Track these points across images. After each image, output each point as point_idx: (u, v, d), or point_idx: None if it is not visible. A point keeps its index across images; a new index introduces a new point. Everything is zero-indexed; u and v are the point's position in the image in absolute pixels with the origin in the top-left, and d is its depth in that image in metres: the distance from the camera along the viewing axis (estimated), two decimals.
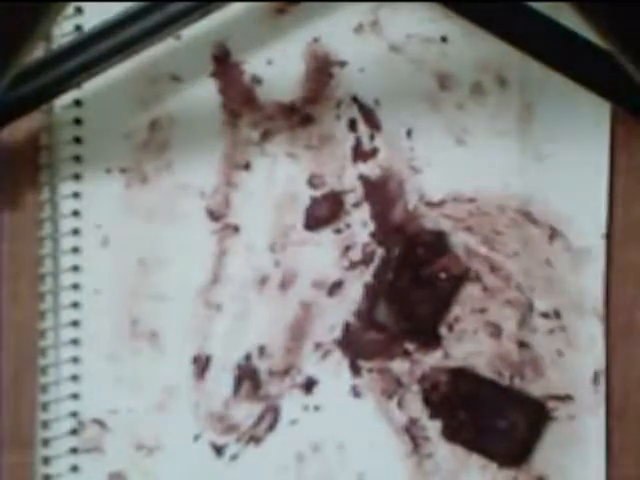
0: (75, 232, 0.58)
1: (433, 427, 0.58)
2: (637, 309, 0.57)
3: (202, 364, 0.58)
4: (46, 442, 0.58)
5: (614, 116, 0.57)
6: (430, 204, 0.57)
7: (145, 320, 0.58)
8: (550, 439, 0.57)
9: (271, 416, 0.58)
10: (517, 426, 0.56)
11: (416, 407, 0.58)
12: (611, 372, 0.57)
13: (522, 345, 0.57)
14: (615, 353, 0.57)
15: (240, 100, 0.58)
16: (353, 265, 0.58)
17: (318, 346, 0.58)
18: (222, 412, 0.58)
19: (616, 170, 0.57)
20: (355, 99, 0.58)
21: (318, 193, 0.58)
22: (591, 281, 0.57)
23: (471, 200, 0.57)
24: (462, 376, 0.57)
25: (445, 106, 0.57)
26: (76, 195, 0.58)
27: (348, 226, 0.58)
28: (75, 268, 0.58)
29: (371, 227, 0.58)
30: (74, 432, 0.58)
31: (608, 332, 0.57)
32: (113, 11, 0.54)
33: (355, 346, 0.58)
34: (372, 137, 0.58)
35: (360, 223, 0.58)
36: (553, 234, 0.57)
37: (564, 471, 0.57)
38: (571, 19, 0.53)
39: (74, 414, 0.58)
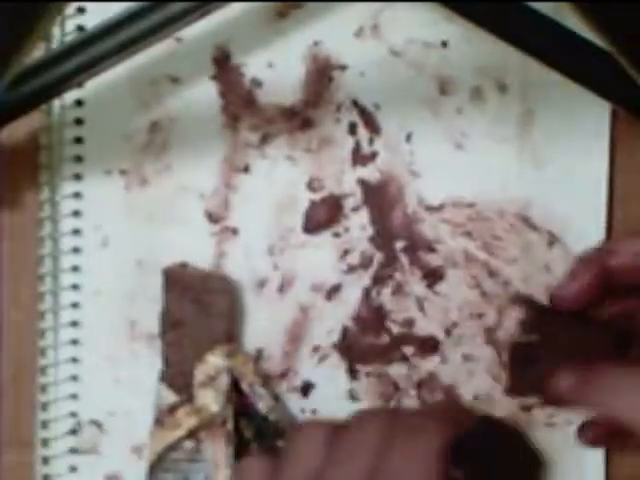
0: (75, 232, 0.58)
1: None
2: None
3: None
4: (45, 442, 0.59)
5: (614, 116, 0.56)
6: (429, 208, 0.57)
7: (144, 322, 0.58)
8: (548, 445, 0.57)
9: None
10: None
11: None
12: None
13: None
14: None
15: (240, 103, 0.58)
16: (351, 269, 0.58)
17: (316, 349, 0.58)
18: None
19: (616, 170, 0.57)
20: (355, 103, 0.58)
21: (317, 196, 0.58)
22: None
23: (470, 205, 0.57)
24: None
25: (445, 111, 0.57)
26: (76, 195, 0.58)
27: (347, 230, 0.58)
28: (75, 268, 0.58)
29: (370, 231, 0.58)
30: (73, 432, 0.58)
31: None
32: (115, 11, 0.54)
33: (353, 350, 0.58)
34: (372, 141, 0.58)
35: (359, 227, 0.58)
36: (552, 240, 0.57)
37: (561, 476, 0.57)
38: (571, 19, 0.53)
39: (73, 414, 0.58)
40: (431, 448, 0.49)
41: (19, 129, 0.57)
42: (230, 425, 0.55)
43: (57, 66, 0.53)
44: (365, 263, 0.58)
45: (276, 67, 0.58)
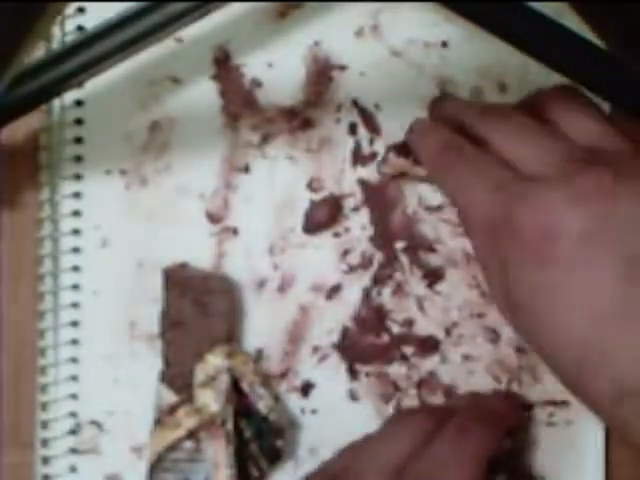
0: (75, 232, 0.58)
1: None
2: None
3: None
4: (45, 442, 0.59)
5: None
6: (429, 208, 0.57)
7: (144, 322, 0.58)
8: (547, 444, 0.57)
9: None
10: None
11: None
12: None
13: (520, 350, 0.57)
14: None
15: (240, 103, 0.58)
16: (352, 269, 0.58)
17: (316, 349, 0.58)
18: None
19: None
20: (355, 103, 0.58)
21: (317, 197, 0.58)
22: None
23: None
24: None
25: None
26: (76, 195, 0.58)
27: (347, 230, 0.58)
28: (75, 268, 0.58)
29: (370, 231, 0.58)
30: (73, 432, 0.58)
31: None
32: (115, 11, 0.53)
33: (353, 350, 0.58)
34: (372, 141, 0.58)
35: (359, 227, 0.58)
36: None
37: (561, 476, 0.57)
38: (571, 19, 0.53)
39: (73, 414, 0.58)
40: (476, 452, 0.51)
41: (19, 129, 0.57)
42: (230, 425, 0.55)
43: (57, 66, 0.53)
44: (365, 263, 0.58)
45: (276, 67, 0.58)
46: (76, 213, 0.58)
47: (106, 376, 0.58)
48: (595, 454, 0.57)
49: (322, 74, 0.58)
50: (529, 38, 0.53)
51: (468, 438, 0.52)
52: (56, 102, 0.58)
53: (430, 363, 0.58)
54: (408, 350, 0.58)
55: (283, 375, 0.58)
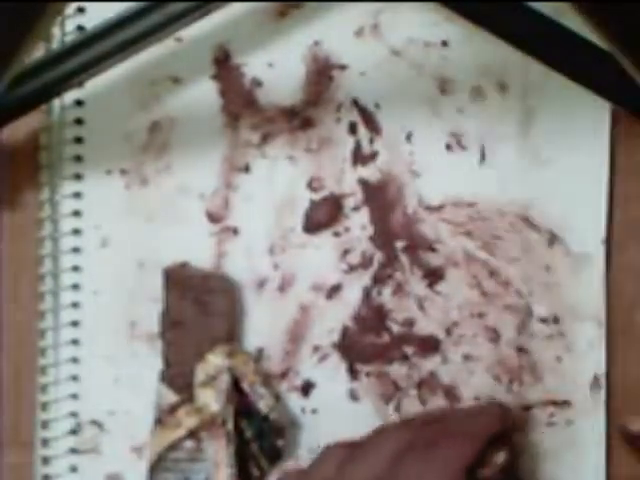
0: (75, 232, 0.58)
1: None
2: (637, 310, 0.57)
3: None
4: (45, 442, 0.59)
5: (614, 116, 0.56)
6: (429, 208, 0.57)
7: (144, 322, 0.58)
8: (547, 444, 0.57)
9: None
10: None
11: (413, 411, 0.58)
12: (611, 372, 0.57)
13: (521, 350, 0.57)
14: (615, 353, 0.57)
15: (240, 102, 0.58)
16: (352, 268, 0.58)
17: (316, 349, 0.58)
18: None
19: (616, 170, 0.57)
20: (355, 102, 0.58)
21: (318, 196, 0.58)
22: (590, 287, 0.57)
23: (470, 205, 0.57)
24: None
25: (445, 110, 0.57)
26: (77, 195, 0.58)
27: (347, 229, 0.58)
28: (75, 268, 0.58)
29: (370, 231, 0.58)
30: (73, 432, 0.58)
31: (608, 333, 0.57)
32: (116, 11, 0.54)
33: (353, 350, 0.58)
34: (372, 140, 0.58)
35: (359, 226, 0.58)
36: (552, 239, 0.57)
37: (561, 476, 0.57)
38: (571, 19, 0.53)
39: (73, 414, 0.58)
40: (449, 466, 0.51)
41: (19, 129, 0.57)
42: (230, 425, 0.55)
43: (57, 66, 0.53)
44: (365, 263, 0.58)
45: (276, 67, 0.58)
46: (76, 213, 0.58)
47: (106, 376, 0.58)
48: (595, 454, 0.57)
49: (322, 74, 0.58)
50: (529, 38, 0.54)
51: (435, 453, 0.52)
52: (56, 102, 0.58)
53: (430, 363, 0.58)
54: (408, 350, 0.58)
55: (283, 375, 0.58)
